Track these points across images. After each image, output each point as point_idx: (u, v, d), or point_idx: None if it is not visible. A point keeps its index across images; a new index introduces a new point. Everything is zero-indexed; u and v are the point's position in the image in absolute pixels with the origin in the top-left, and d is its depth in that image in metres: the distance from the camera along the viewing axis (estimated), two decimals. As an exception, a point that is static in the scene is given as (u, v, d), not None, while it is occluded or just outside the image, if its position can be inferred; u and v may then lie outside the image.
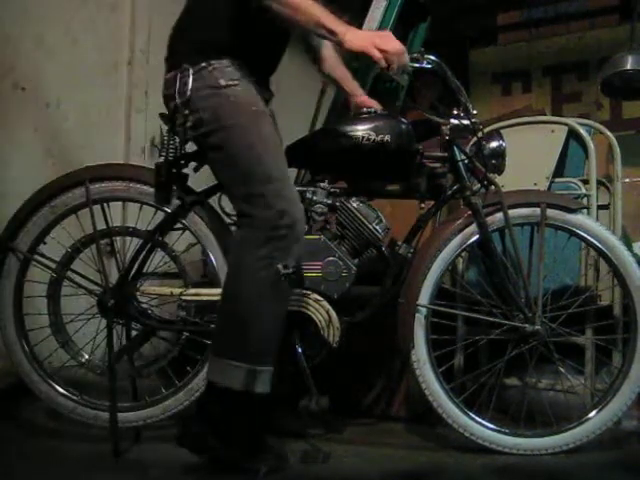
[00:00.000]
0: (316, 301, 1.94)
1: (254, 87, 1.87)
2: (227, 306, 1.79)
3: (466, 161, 2.02)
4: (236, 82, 1.83)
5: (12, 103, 2.59)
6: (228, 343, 1.77)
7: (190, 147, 1.98)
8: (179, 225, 2.04)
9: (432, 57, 1.90)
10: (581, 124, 2.48)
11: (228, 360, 1.74)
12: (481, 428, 1.98)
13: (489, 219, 1.99)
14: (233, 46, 1.86)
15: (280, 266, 1.73)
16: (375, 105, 2.09)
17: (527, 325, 1.97)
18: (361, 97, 2.17)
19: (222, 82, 1.82)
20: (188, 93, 1.82)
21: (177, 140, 1.94)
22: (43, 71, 2.69)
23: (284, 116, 3.32)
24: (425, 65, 1.89)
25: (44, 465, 1.84)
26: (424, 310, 1.98)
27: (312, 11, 1.76)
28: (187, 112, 1.84)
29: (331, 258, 1.96)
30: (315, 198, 1.99)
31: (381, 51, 1.77)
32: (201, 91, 1.83)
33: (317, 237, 1.98)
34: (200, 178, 2.04)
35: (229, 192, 1.89)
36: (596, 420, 1.98)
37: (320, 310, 1.94)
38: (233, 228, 2.01)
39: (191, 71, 1.83)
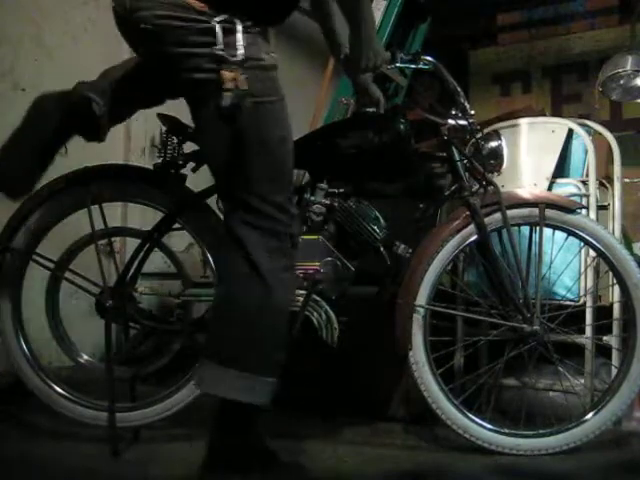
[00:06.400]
0: (314, 301, 1.94)
1: None
2: (261, 321, 1.63)
3: (464, 161, 2.02)
4: (269, 56, 1.61)
5: (12, 103, 2.59)
6: (260, 359, 1.62)
7: (188, 147, 1.99)
8: (177, 225, 2.04)
9: (429, 58, 1.90)
10: (581, 124, 2.48)
11: (258, 376, 1.60)
12: (480, 429, 1.98)
13: (487, 219, 1.99)
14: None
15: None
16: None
17: (525, 325, 1.97)
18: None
19: (262, 54, 1.59)
20: (241, 53, 1.52)
21: (175, 140, 1.94)
22: (43, 71, 2.69)
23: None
24: (422, 66, 1.89)
25: (44, 465, 1.84)
26: (422, 310, 1.98)
27: None
28: (237, 75, 1.52)
29: (329, 258, 1.96)
30: (313, 198, 1.99)
31: None
32: (252, 53, 1.56)
33: (315, 237, 1.98)
34: (198, 178, 2.04)
35: (246, 185, 1.60)
36: (595, 420, 1.98)
37: (318, 310, 1.94)
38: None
39: (239, 27, 1.54)
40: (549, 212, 2.00)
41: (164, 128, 2.01)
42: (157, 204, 2.03)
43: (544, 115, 2.96)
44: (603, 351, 2.25)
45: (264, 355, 1.63)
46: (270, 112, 1.60)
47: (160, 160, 2.01)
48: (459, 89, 1.99)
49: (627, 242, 2.59)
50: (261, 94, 1.57)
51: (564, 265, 2.21)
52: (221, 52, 1.51)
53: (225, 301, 1.67)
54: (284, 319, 1.66)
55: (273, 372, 1.63)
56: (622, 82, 3.24)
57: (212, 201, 2.05)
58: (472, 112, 1.99)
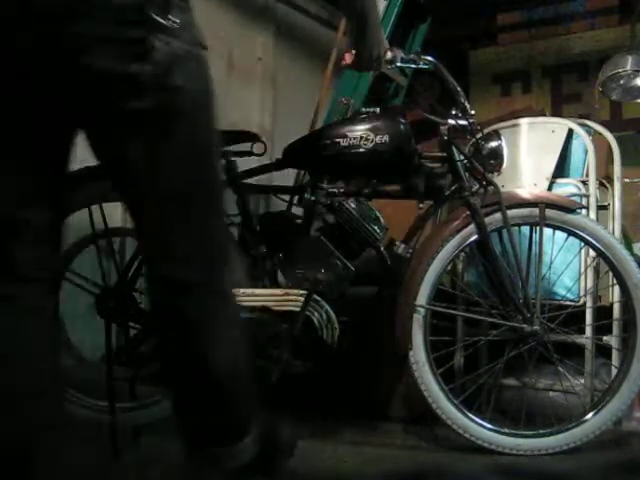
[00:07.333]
0: (315, 301, 1.94)
1: None
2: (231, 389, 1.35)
3: (465, 161, 2.02)
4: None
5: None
6: (239, 425, 1.39)
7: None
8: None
9: (429, 58, 1.91)
10: (581, 124, 2.48)
11: (246, 439, 1.38)
12: (480, 429, 1.98)
13: (487, 219, 1.99)
14: None
15: None
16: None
17: (525, 325, 1.97)
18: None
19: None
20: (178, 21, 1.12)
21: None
22: (43, 72, 2.69)
23: (284, 116, 3.34)
24: (422, 66, 1.89)
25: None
26: (422, 310, 1.98)
27: None
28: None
29: (329, 258, 1.97)
30: (314, 198, 2.00)
31: None
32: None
33: (315, 237, 1.98)
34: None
35: (164, 236, 1.20)
36: (595, 420, 1.98)
37: (319, 310, 1.94)
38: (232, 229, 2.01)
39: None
40: (549, 212, 2.00)
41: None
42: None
43: (544, 115, 2.96)
44: (603, 351, 2.25)
45: (238, 424, 1.39)
46: (203, 119, 1.20)
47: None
48: (459, 89, 1.99)
49: (627, 242, 2.59)
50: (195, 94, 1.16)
51: (564, 265, 2.21)
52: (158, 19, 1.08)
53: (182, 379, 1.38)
54: (249, 373, 1.38)
55: (256, 423, 1.41)
56: (622, 82, 3.23)
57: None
58: (472, 112, 1.99)
